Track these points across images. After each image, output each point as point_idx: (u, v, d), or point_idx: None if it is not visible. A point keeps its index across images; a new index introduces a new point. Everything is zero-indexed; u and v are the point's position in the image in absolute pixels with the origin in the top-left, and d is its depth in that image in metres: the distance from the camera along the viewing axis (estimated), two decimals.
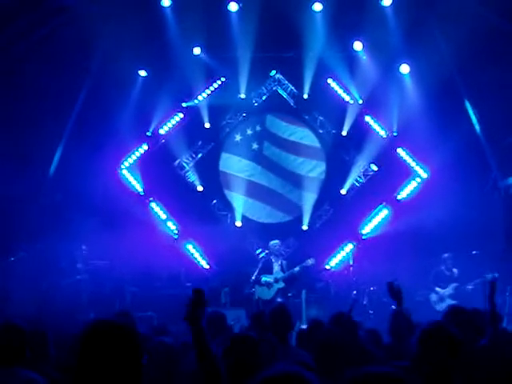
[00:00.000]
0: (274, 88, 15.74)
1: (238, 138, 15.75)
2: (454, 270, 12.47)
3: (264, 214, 15.54)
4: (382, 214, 14.90)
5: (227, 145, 15.76)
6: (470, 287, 12.14)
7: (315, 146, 15.69)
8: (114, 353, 2.68)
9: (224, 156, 15.71)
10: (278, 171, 15.58)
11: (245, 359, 4.04)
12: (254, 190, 15.51)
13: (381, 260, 13.47)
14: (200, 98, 15.31)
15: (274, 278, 12.27)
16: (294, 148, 15.67)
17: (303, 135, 15.71)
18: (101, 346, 2.69)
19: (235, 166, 15.64)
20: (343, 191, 15.21)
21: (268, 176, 15.57)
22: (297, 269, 12.26)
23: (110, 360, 2.66)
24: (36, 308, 11.91)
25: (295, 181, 15.58)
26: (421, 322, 6.22)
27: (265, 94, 15.73)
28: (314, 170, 15.57)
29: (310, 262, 12.37)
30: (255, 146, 15.71)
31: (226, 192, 15.58)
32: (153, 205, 15.16)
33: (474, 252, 12.36)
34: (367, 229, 14.88)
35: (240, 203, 15.41)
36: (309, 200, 15.42)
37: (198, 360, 3.82)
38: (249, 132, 15.75)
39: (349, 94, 15.09)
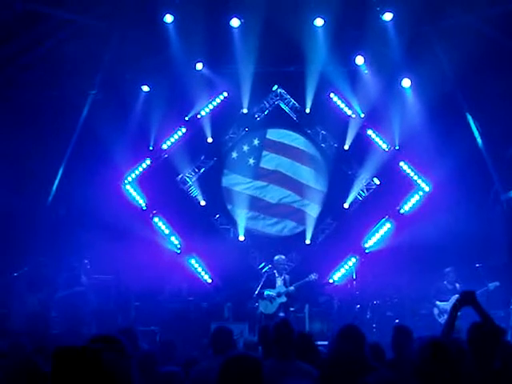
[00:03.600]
0: (276, 102, 15.80)
1: (234, 155, 15.81)
2: (457, 285, 12.41)
3: (270, 226, 15.59)
4: (385, 227, 14.89)
5: (227, 162, 15.81)
6: None
7: (317, 157, 15.71)
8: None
9: (225, 173, 15.76)
10: (279, 181, 15.61)
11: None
12: (258, 205, 15.55)
13: (384, 274, 13.46)
14: (202, 112, 15.38)
15: (277, 292, 12.26)
16: (298, 155, 15.70)
17: (306, 144, 15.75)
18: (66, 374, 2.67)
19: (236, 183, 15.68)
20: (346, 205, 15.20)
21: (269, 189, 15.60)
22: (291, 288, 12.24)
23: None
24: (32, 322, 11.92)
25: (298, 190, 15.58)
26: (423, 335, 6.22)
27: (267, 109, 15.78)
28: (316, 181, 15.59)
29: (313, 276, 12.37)
30: (252, 161, 15.74)
31: (229, 207, 15.61)
32: (156, 219, 15.18)
33: (476, 265, 12.34)
34: (370, 242, 14.86)
35: (243, 217, 15.43)
36: (312, 210, 15.45)
37: None
38: (245, 148, 15.79)
39: (351, 108, 15.14)
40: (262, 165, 15.70)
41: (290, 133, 15.80)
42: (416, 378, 3.84)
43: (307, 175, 15.62)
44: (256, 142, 15.81)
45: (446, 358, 3.82)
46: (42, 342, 7.98)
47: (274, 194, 15.60)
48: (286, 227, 15.58)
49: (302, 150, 15.73)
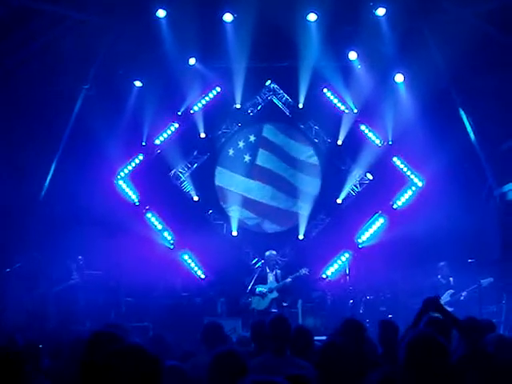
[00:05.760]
0: (269, 98, 15.76)
1: (230, 152, 15.75)
2: (450, 279, 12.44)
3: (260, 225, 15.59)
4: (378, 222, 14.91)
5: (221, 159, 15.75)
6: (464, 294, 12.09)
7: (314, 163, 15.66)
8: None
9: (218, 170, 15.71)
10: (273, 181, 15.59)
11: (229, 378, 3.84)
12: (250, 205, 15.52)
13: (377, 269, 13.49)
14: (195, 107, 15.33)
15: (269, 288, 12.28)
16: (292, 161, 15.66)
17: (302, 151, 15.71)
18: None
19: (230, 181, 15.64)
20: (339, 200, 15.21)
21: (262, 190, 15.57)
22: (289, 279, 12.27)
23: None
24: (30, 318, 11.89)
25: (290, 191, 15.58)
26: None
27: (260, 104, 15.74)
28: (309, 184, 15.56)
29: (304, 271, 12.39)
30: (247, 158, 15.70)
31: (222, 203, 15.58)
32: (148, 215, 15.14)
33: (469, 260, 12.35)
34: (363, 238, 14.88)
35: (236, 212, 15.41)
36: (304, 210, 15.41)
37: None
38: (241, 145, 15.74)
39: (344, 103, 15.11)
40: (257, 162, 15.64)
41: (289, 140, 15.73)
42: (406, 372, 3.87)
43: (299, 179, 15.57)
44: (252, 138, 15.77)
45: (437, 351, 3.86)
46: (37, 337, 7.98)
47: (267, 194, 15.56)
48: (279, 224, 15.57)
49: (297, 159, 15.67)
